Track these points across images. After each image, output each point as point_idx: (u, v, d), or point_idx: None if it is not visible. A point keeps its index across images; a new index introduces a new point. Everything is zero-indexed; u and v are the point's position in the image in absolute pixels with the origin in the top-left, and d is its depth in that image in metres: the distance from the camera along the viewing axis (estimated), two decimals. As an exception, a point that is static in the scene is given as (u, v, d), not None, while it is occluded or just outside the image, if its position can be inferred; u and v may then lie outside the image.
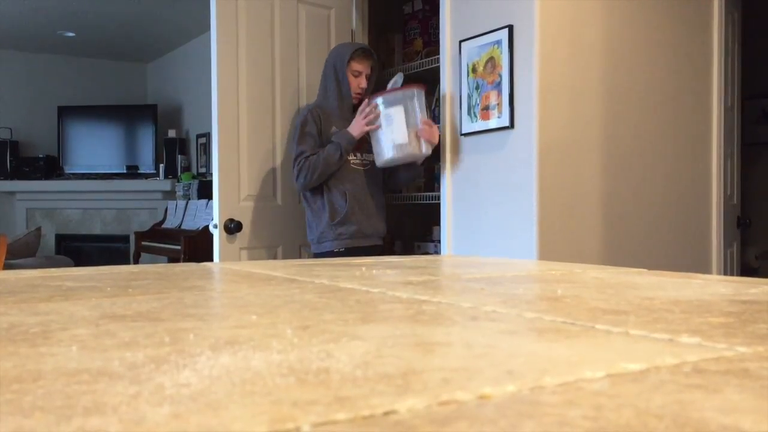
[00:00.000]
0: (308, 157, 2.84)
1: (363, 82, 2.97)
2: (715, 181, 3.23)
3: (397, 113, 2.80)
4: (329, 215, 2.87)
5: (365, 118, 2.82)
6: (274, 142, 3.24)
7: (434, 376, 0.47)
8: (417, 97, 2.82)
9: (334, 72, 2.96)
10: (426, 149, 2.83)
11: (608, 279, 1.13)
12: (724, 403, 0.40)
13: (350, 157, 2.91)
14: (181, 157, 6.97)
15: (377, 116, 2.81)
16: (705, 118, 3.21)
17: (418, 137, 2.80)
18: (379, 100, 2.83)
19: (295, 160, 2.87)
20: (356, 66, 2.95)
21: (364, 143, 2.95)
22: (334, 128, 2.92)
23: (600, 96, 2.77)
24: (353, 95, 2.97)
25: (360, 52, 2.96)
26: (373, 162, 2.95)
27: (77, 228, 7.18)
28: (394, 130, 2.78)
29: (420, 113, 2.81)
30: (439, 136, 2.92)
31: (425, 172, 3.63)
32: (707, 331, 0.64)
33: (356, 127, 2.84)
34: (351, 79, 2.95)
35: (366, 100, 2.87)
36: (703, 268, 3.17)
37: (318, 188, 2.90)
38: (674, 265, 2.91)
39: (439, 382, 0.45)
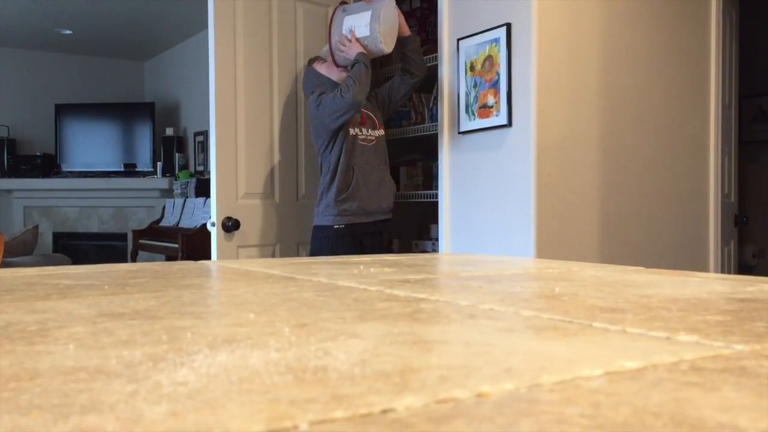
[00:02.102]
0: (337, 91, 2.86)
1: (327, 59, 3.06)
2: (713, 179, 3.24)
3: (349, 20, 2.95)
4: (338, 190, 2.89)
5: (350, 43, 2.90)
6: (271, 140, 3.23)
7: (432, 374, 0.47)
8: (339, 10, 3.00)
9: (317, 84, 2.96)
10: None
11: (606, 277, 1.13)
12: (721, 401, 0.40)
13: (357, 133, 2.92)
14: (179, 155, 6.96)
15: (352, 36, 2.90)
16: (702, 116, 3.21)
17: (369, 5, 2.92)
18: (340, 34, 2.94)
19: (334, 93, 2.86)
20: (318, 59, 3.07)
21: (370, 119, 2.97)
22: None
23: (598, 94, 2.77)
24: (338, 79, 2.96)
25: (312, 58, 3.14)
26: (378, 137, 3.00)
27: (74, 226, 7.18)
28: (362, 23, 2.92)
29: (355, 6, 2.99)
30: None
31: (423, 170, 3.64)
32: (705, 329, 0.64)
33: (355, 52, 2.89)
34: (324, 67, 3.02)
35: (335, 45, 2.95)
36: (701, 266, 3.17)
37: (332, 160, 2.91)
38: (672, 263, 2.92)
39: (436, 380, 0.45)
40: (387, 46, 2.91)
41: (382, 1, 2.90)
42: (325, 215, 2.92)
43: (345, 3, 3.09)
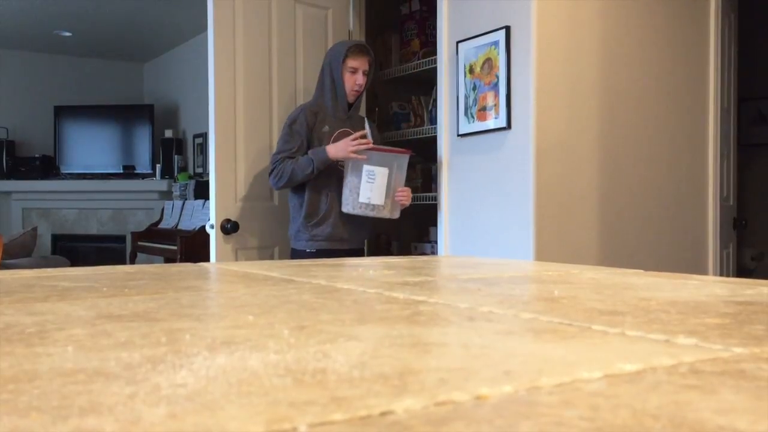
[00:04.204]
0: (284, 159, 2.84)
1: (360, 79, 2.92)
2: (712, 182, 3.24)
3: (381, 174, 2.86)
4: (306, 214, 2.88)
5: (354, 146, 2.78)
6: (271, 143, 3.23)
7: (431, 377, 0.47)
8: (403, 162, 2.90)
9: (330, 71, 2.95)
10: (396, 214, 2.93)
11: (605, 280, 1.13)
12: (720, 404, 0.40)
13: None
14: (178, 158, 6.96)
15: (366, 148, 2.81)
16: (701, 119, 3.21)
17: (392, 200, 2.89)
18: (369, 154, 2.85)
19: (273, 156, 2.90)
20: (352, 63, 2.90)
21: None
22: (326, 127, 2.91)
23: (597, 97, 2.77)
24: (348, 93, 2.94)
25: (355, 49, 2.92)
26: None
27: (73, 228, 7.17)
28: (373, 188, 2.85)
29: (401, 178, 2.90)
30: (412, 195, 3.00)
31: (422, 173, 3.64)
32: (703, 331, 0.65)
33: (338, 150, 2.80)
34: (347, 76, 2.91)
35: (361, 133, 2.85)
36: (700, 269, 3.17)
37: (301, 185, 2.89)
38: (671, 266, 2.92)
39: (435, 383, 0.45)
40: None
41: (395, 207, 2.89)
42: (297, 239, 2.92)
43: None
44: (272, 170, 2.87)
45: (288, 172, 2.82)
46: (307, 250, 2.88)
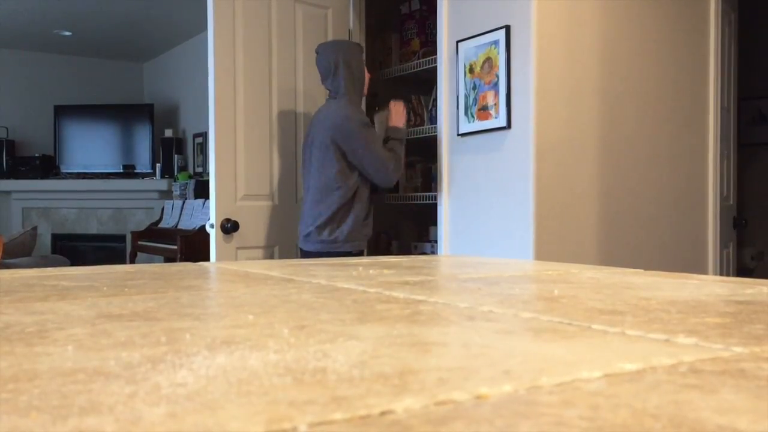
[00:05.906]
0: (386, 151, 2.92)
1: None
2: (712, 181, 3.24)
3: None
4: (364, 214, 2.89)
5: (403, 112, 3.04)
6: (271, 142, 3.23)
7: (431, 376, 0.47)
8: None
9: (350, 67, 2.93)
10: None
11: (605, 279, 1.13)
12: (720, 403, 0.40)
13: None
14: (178, 157, 6.96)
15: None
16: (701, 118, 3.21)
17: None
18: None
19: (378, 157, 2.84)
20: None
21: None
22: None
23: (597, 96, 2.77)
24: (365, 87, 3.04)
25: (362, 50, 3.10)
26: None
27: (73, 227, 7.17)
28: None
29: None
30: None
31: (422, 172, 3.63)
32: (703, 331, 0.65)
33: (398, 121, 3.01)
34: (366, 73, 3.03)
35: (394, 102, 3.09)
36: (700, 268, 3.17)
37: (351, 182, 2.85)
38: (671, 266, 2.92)
39: (435, 382, 0.45)
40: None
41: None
42: (348, 241, 2.84)
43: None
44: (391, 167, 2.85)
45: (401, 158, 2.94)
46: (353, 252, 2.85)
